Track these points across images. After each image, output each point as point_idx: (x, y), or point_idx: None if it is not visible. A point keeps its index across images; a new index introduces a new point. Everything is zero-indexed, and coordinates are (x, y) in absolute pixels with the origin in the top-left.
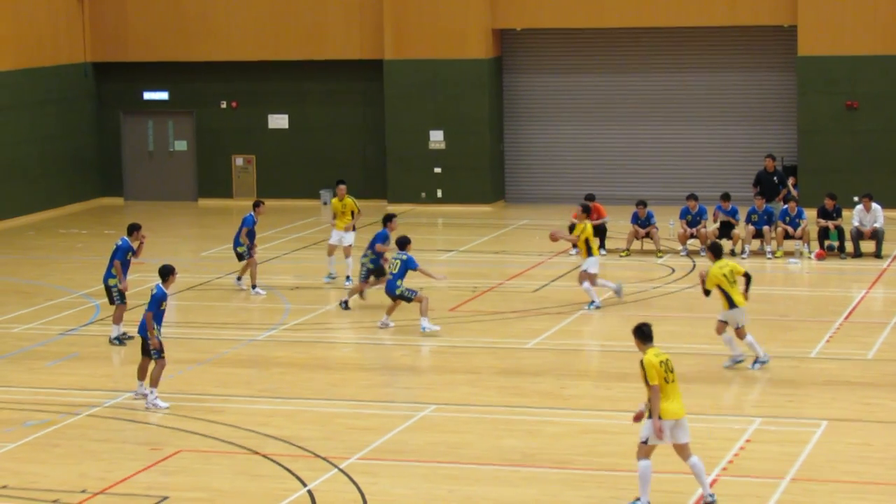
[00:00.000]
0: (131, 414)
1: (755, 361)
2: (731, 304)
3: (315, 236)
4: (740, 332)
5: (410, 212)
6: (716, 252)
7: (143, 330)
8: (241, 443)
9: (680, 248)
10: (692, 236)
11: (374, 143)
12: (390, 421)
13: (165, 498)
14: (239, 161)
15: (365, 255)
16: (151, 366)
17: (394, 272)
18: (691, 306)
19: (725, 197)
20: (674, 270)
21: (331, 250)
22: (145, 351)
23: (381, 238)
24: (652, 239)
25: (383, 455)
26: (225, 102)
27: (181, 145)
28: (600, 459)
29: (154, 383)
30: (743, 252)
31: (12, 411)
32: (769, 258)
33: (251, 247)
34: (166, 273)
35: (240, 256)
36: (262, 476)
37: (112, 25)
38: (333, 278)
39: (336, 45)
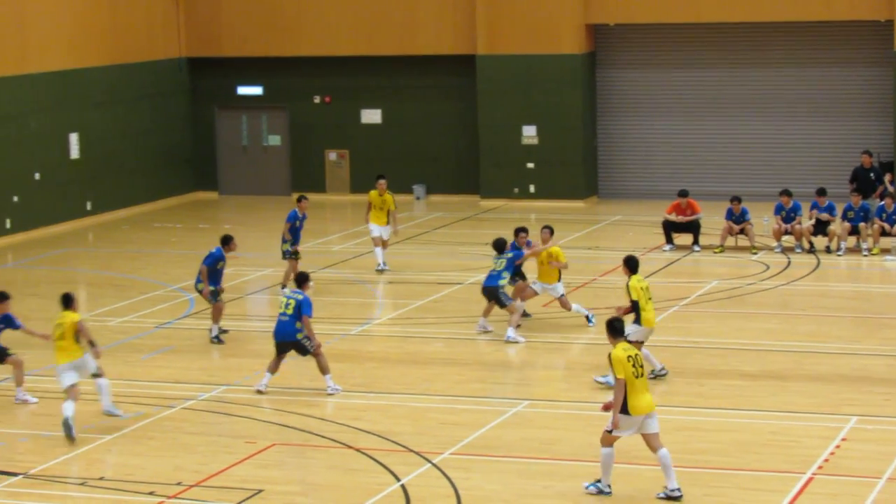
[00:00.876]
0: (226, 407)
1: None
2: (639, 321)
3: (407, 231)
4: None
5: (503, 207)
6: (631, 266)
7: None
8: (334, 437)
9: (774, 244)
10: (787, 233)
11: (467, 138)
12: (483, 416)
13: (260, 491)
14: (332, 156)
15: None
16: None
17: (497, 269)
18: (786, 303)
19: (821, 193)
20: (768, 267)
21: (377, 242)
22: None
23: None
24: (746, 235)
25: (476, 450)
26: (318, 97)
27: (275, 140)
28: (693, 456)
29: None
30: (839, 249)
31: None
32: (865, 255)
33: (295, 244)
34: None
35: (284, 254)
36: (355, 470)
37: (207, 21)
38: (382, 270)
39: (429, 41)
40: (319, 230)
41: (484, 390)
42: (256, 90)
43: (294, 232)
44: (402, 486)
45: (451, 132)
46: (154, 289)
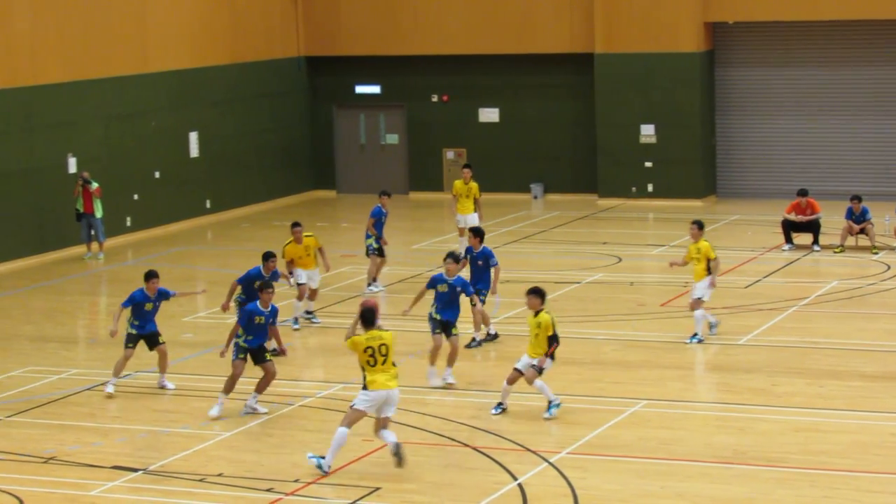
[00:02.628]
0: (344, 405)
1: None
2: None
3: (525, 230)
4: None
5: (621, 206)
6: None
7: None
8: (451, 435)
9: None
10: None
11: (585, 137)
12: (600, 416)
13: (377, 489)
14: (450, 154)
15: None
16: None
17: None
18: None
19: None
20: (889, 267)
21: (462, 232)
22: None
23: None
24: (867, 235)
25: (593, 450)
26: (436, 96)
27: (392, 139)
28: (813, 458)
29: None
30: None
31: (228, 401)
32: None
33: (380, 239)
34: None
35: (368, 251)
36: (472, 469)
37: (325, 20)
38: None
39: (547, 39)
40: (436, 228)
41: (601, 389)
42: (374, 89)
43: (378, 228)
44: (519, 485)
45: (569, 131)
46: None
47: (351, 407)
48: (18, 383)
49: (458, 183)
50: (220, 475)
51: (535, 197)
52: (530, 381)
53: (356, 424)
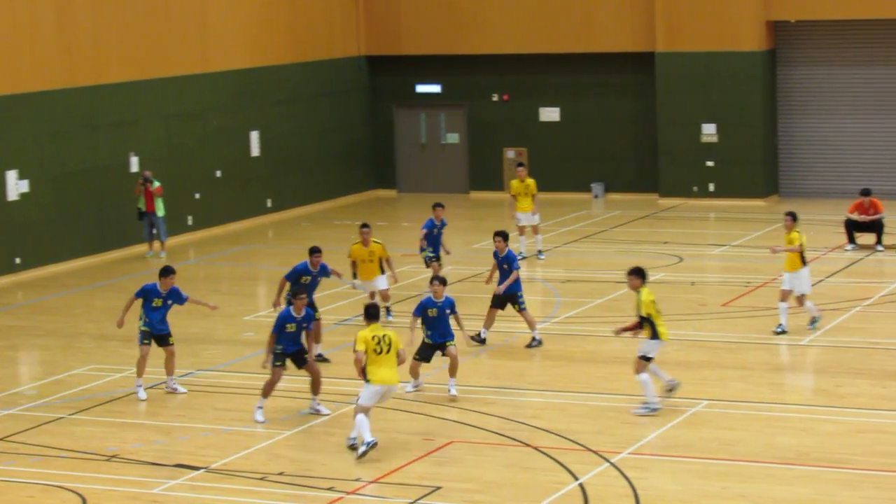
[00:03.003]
0: (405, 404)
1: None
2: (656, 335)
3: (587, 229)
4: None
5: (682, 206)
6: (641, 276)
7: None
8: (512, 435)
9: None
10: None
11: (646, 136)
12: (662, 416)
13: (438, 488)
14: (510, 154)
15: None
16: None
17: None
18: None
19: None
20: None
21: (521, 231)
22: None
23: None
24: None
25: (655, 450)
26: (496, 95)
27: (453, 138)
28: (878, 459)
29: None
30: None
31: (289, 400)
32: None
33: (435, 252)
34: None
35: (427, 261)
36: (533, 468)
37: (385, 19)
38: (524, 258)
39: (608, 38)
40: (496, 227)
41: (663, 390)
42: (435, 88)
43: (431, 239)
44: (581, 485)
45: (630, 130)
46: (334, 285)
47: (357, 403)
48: (81, 381)
49: (514, 182)
50: (280, 474)
51: (596, 196)
52: (636, 373)
53: (417, 425)
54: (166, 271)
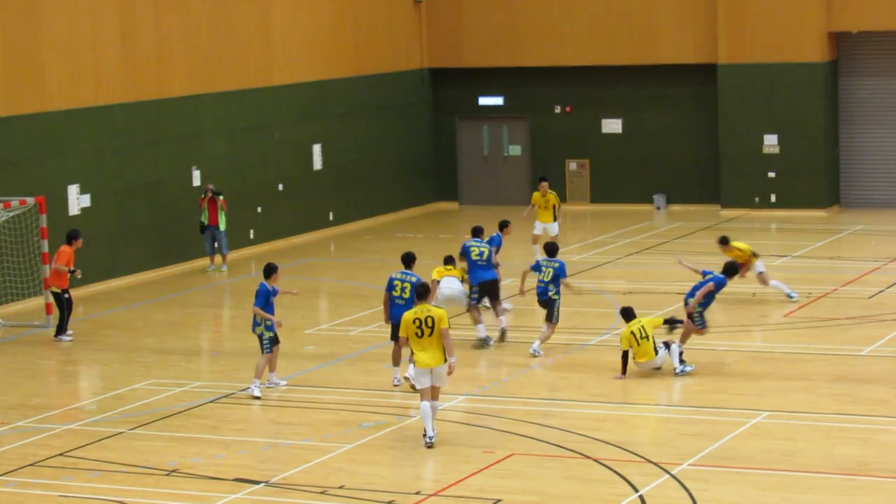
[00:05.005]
0: (465, 417)
1: None
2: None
3: (648, 241)
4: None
5: (744, 216)
6: (626, 316)
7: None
8: (572, 447)
9: None
10: None
11: (707, 147)
12: (722, 427)
13: (499, 501)
14: (573, 166)
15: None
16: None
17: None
18: None
19: None
20: None
21: (535, 239)
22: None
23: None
24: None
25: (715, 461)
26: (559, 107)
27: (515, 150)
28: None
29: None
30: None
31: (349, 413)
32: None
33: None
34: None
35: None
36: (593, 480)
37: (448, 32)
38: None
39: (669, 50)
40: (559, 240)
41: (724, 401)
42: (497, 100)
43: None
44: (641, 497)
45: (692, 141)
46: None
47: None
48: (141, 396)
49: (536, 195)
50: (341, 487)
51: (658, 208)
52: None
53: (477, 438)
54: (271, 269)
